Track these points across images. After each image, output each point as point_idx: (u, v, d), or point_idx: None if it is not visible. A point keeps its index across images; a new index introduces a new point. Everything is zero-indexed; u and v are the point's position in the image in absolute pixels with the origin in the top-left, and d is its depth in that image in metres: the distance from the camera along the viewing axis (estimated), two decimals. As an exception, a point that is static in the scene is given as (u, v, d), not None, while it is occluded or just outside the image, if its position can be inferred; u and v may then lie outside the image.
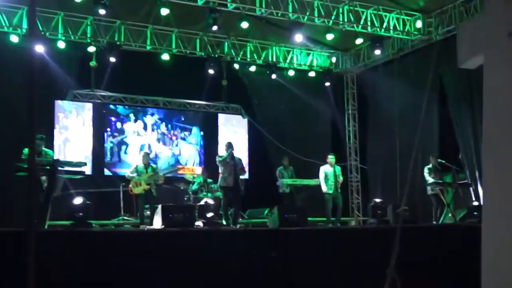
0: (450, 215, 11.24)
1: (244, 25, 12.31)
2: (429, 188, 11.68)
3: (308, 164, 14.00)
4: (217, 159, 10.26)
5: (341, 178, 11.78)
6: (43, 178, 8.50)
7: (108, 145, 13.64)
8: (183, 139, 14.55)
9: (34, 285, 3.08)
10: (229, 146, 10.27)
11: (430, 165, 11.75)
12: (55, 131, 12.82)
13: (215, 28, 11.96)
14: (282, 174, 12.50)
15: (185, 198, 12.06)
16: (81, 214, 7.87)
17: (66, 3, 11.86)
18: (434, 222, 11.20)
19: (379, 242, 8.29)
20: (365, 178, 15.73)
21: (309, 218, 10.14)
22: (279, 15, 12.26)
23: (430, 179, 11.61)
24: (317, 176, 11.84)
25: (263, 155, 14.95)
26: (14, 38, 12.16)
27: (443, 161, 11.77)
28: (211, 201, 10.72)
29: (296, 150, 14.44)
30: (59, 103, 12.94)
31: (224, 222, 9.80)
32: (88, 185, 12.70)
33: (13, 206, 10.41)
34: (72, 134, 13.08)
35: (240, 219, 12.30)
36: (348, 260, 8.36)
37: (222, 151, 10.52)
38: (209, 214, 9.00)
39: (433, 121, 13.37)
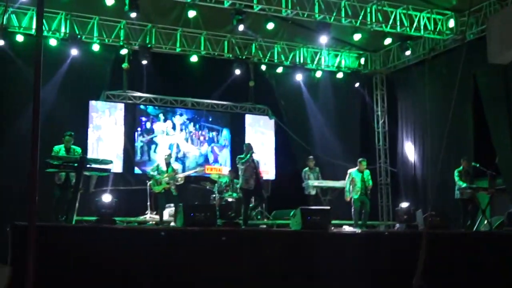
0: (485, 222, 10.92)
1: (270, 26, 12.47)
2: (458, 192, 11.44)
3: (335, 166, 14.04)
4: (238, 161, 10.35)
5: (370, 184, 11.54)
6: (72, 174, 8.78)
7: (138, 144, 14.04)
8: (211, 139, 14.81)
9: (33, 278, 3.22)
10: (249, 147, 10.30)
11: (460, 168, 11.51)
12: (89, 130, 13.25)
13: (241, 28, 12.09)
14: (308, 175, 12.55)
15: (211, 198, 12.22)
16: (106, 210, 8.04)
17: (100, 8, 12.31)
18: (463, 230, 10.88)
19: (406, 248, 8.25)
20: (395, 181, 15.62)
21: (333, 221, 10.15)
22: (305, 16, 12.37)
23: (461, 183, 11.36)
24: (344, 178, 11.78)
25: (289, 156, 15.07)
26: (53, 42, 12.68)
27: (477, 165, 11.42)
28: (232, 201, 10.83)
29: (323, 151, 14.57)
30: (93, 103, 13.43)
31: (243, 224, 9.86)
32: (119, 183, 13.14)
33: (40, 202, 10.69)
34: (105, 133, 13.52)
35: (265, 220, 12.46)
36: (372, 266, 8.31)
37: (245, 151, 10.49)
38: (230, 214, 9.07)
39: (468, 123, 13.05)
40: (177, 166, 11.39)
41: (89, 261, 6.93)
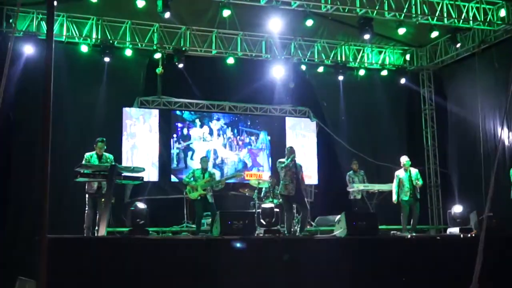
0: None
1: (309, 23, 12.08)
2: (514, 192, 10.96)
3: (381, 168, 13.63)
4: (278, 165, 9.95)
5: (420, 182, 11.21)
6: (104, 183, 8.61)
7: (174, 151, 13.85)
8: (250, 144, 14.46)
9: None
10: (291, 151, 9.89)
11: (515, 166, 11.06)
12: (123, 138, 13.09)
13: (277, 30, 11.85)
14: (352, 179, 12.31)
15: (251, 205, 11.90)
16: (139, 221, 7.84)
17: (132, 12, 12.21)
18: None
19: (460, 253, 7.97)
20: (446, 183, 15.08)
21: (380, 226, 9.95)
22: (346, 11, 12.02)
23: None
24: (391, 181, 11.48)
25: (333, 159, 14.73)
26: (84, 48, 12.63)
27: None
28: (271, 208, 10.44)
29: (369, 153, 14.17)
30: (126, 110, 13.24)
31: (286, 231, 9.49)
32: (155, 192, 12.98)
33: (68, 212, 10.58)
34: (139, 140, 13.34)
35: (308, 227, 12.05)
36: (423, 273, 8.11)
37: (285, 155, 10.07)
38: (269, 222, 8.74)
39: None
40: (213, 172, 11.08)
41: (121, 273, 6.87)
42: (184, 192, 11.31)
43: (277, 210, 9.58)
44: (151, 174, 13.11)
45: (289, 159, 9.77)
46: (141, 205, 8.24)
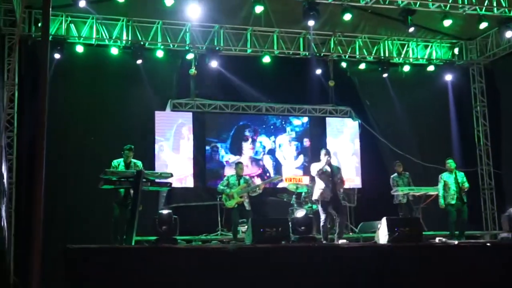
0: None
1: (347, 17, 11.87)
2: None
3: (428, 170, 13.25)
4: (312, 169, 9.71)
5: (466, 185, 10.97)
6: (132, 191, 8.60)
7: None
8: (288, 146, 14.20)
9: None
10: (326, 153, 9.63)
11: None
12: (156, 143, 13.00)
13: (312, 23, 11.63)
14: (397, 182, 12.10)
15: (289, 211, 11.75)
16: (166, 229, 7.79)
17: (163, 12, 12.19)
18: None
19: None
20: (500, 185, 14.60)
21: (426, 232, 9.88)
22: (387, 3, 11.75)
23: None
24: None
25: (377, 161, 14.41)
26: (114, 51, 12.70)
27: None
28: (306, 214, 10.26)
29: (415, 154, 13.84)
30: (159, 114, 13.13)
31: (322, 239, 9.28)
32: (190, 199, 12.95)
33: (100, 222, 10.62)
34: (173, 145, 13.22)
35: (350, 234, 11.83)
36: (474, 283, 7.77)
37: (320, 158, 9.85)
38: (305, 229, 8.55)
39: None
40: (249, 178, 10.95)
41: (148, 285, 6.73)
42: (218, 198, 11.25)
43: (311, 216, 9.38)
44: (187, 180, 13.07)
45: (323, 162, 9.56)
46: (166, 213, 8.17)
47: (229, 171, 12.86)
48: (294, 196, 12.07)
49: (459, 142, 14.91)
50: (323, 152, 9.69)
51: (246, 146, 13.97)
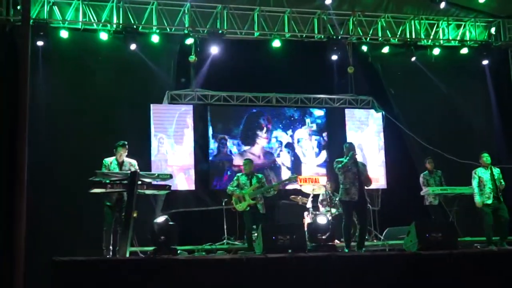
0: None
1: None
2: None
3: (463, 166, 13.08)
4: (335, 165, 9.74)
5: (502, 183, 10.98)
6: (125, 194, 8.61)
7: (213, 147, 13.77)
8: (304, 139, 14.19)
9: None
10: (350, 148, 9.68)
11: None
12: (152, 140, 13.02)
13: (329, 1, 11.59)
14: (427, 180, 12.04)
15: (305, 216, 11.73)
16: (164, 238, 7.81)
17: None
18: None
19: None
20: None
21: (462, 238, 10.02)
22: (413, -23, 11.68)
23: None
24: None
25: (404, 158, 14.41)
26: (103, 36, 12.69)
27: None
28: (324, 219, 10.21)
29: (448, 149, 13.70)
30: (155, 107, 13.12)
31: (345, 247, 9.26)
32: (192, 203, 12.96)
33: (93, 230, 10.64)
34: (172, 142, 13.22)
35: (375, 241, 11.83)
36: None
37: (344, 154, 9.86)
38: (323, 236, 8.54)
39: None
40: (262, 176, 10.88)
41: None
42: (224, 202, 11.23)
43: (329, 218, 9.37)
44: (187, 182, 13.08)
45: (348, 158, 9.56)
46: (164, 219, 8.15)
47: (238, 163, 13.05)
48: (310, 198, 12.03)
49: (500, 134, 14.90)
50: (346, 146, 9.77)
51: (261, 135, 14.03)
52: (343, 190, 9.60)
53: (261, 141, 14.01)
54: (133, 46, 12.67)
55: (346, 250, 9.36)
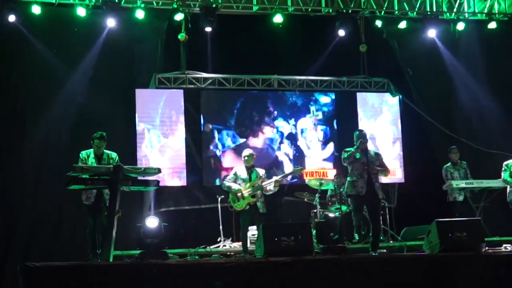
0: None
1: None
2: None
3: (492, 157, 13.23)
4: (343, 155, 9.83)
5: None
6: (106, 191, 8.70)
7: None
8: (308, 130, 14.29)
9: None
10: (360, 135, 9.76)
11: None
12: (137, 130, 13.15)
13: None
14: (451, 173, 12.12)
15: (312, 214, 11.82)
16: (153, 241, 7.90)
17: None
18: None
19: None
20: None
21: (488, 238, 9.85)
22: None
23: None
24: (507, 176, 11.43)
25: (423, 147, 14.56)
26: (81, 11, 12.72)
27: None
28: (336, 217, 10.31)
29: (473, 138, 13.88)
30: (140, 92, 13.23)
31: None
32: (183, 201, 13.10)
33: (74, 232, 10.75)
34: (160, 133, 13.33)
35: (391, 242, 11.91)
36: None
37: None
38: (333, 236, 8.62)
39: None
40: (262, 171, 10.92)
41: None
42: (219, 199, 11.30)
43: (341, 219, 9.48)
44: (178, 178, 13.21)
45: (355, 146, 9.66)
46: (153, 220, 8.21)
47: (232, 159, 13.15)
48: (317, 195, 12.13)
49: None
50: (357, 134, 9.86)
51: (262, 125, 14.21)
52: (350, 182, 9.71)
53: (268, 132, 14.16)
54: (114, 23, 12.67)
55: (357, 238, 9.44)
